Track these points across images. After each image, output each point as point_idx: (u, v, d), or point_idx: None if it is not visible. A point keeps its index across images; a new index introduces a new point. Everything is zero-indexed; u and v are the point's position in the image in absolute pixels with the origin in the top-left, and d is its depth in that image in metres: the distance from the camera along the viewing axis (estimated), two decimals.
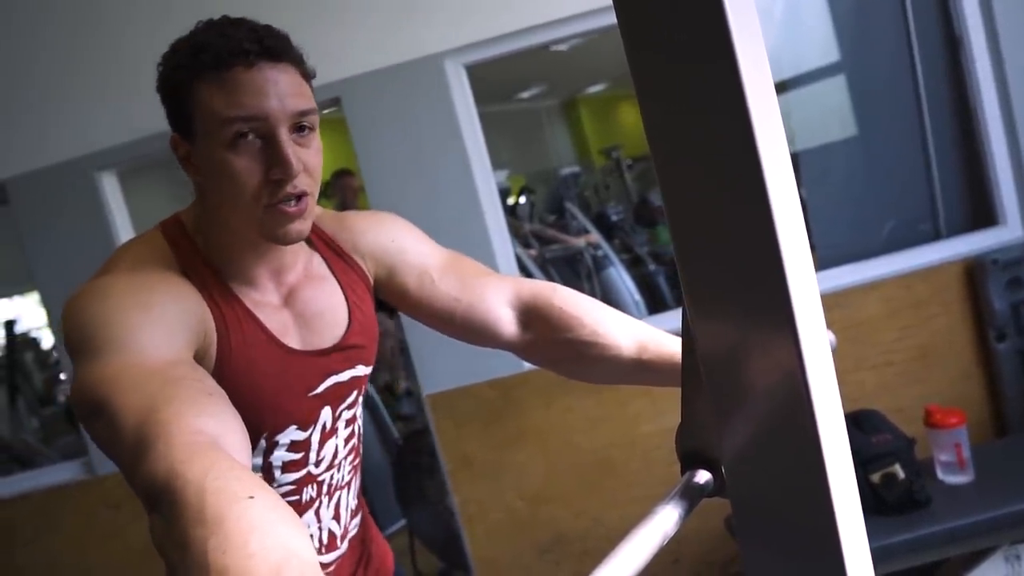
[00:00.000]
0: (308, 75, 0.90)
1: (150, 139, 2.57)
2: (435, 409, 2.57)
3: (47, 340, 6.58)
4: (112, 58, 2.57)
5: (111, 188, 2.66)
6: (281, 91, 0.85)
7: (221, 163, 0.85)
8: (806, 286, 0.43)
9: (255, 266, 0.93)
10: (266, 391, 0.91)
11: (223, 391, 0.72)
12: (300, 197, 0.87)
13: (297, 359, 0.95)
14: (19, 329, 5.37)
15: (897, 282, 2.50)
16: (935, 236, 2.67)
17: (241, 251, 0.92)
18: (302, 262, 0.99)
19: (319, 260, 1.02)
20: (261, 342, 0.92)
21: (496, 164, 2.59)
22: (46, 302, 2.75)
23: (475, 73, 2.54)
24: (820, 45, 2.91)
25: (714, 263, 0.48)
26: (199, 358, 0.84)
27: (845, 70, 2.88)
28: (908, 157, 2.72)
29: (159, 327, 0.78)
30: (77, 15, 2.58)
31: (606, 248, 4.48)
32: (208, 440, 0.61)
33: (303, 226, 0.89)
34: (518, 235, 4.25)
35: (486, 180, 2.52)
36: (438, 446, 2.59)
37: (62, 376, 5.92)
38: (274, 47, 0.85)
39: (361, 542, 1.13)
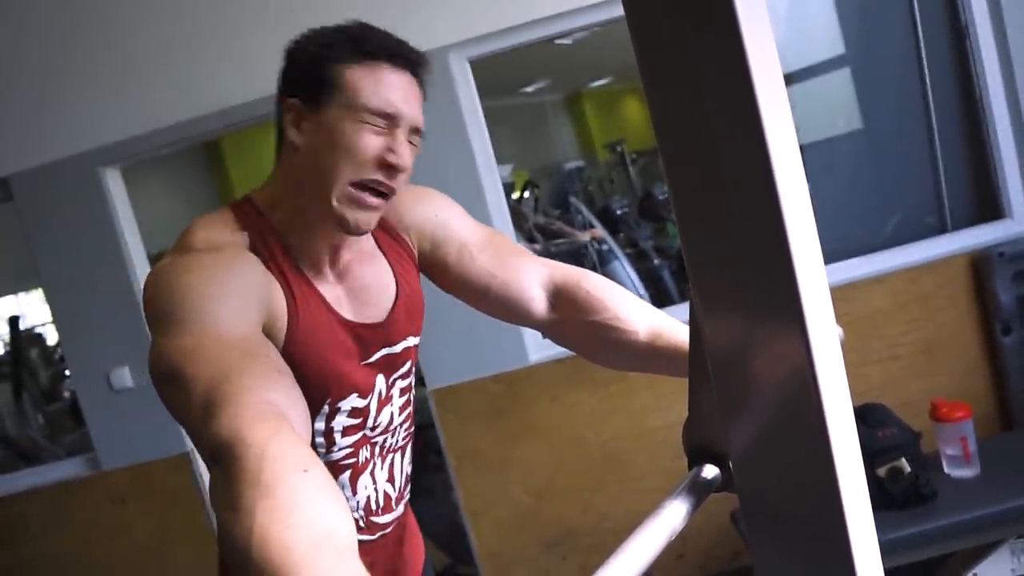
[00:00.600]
0: (424, 99, 0.99)
1: (153, 134, 2.58)
2: (440, 404, 2.57)
3: (52, 336, 6.61)
4: (115, 54, 2.57)
5: (115, 183, 2.66)
6: (413, 101, 0.95)
7: (351, 130, 0.91)
8: (815, 280, 0.43)
9: (320, 242, 0.98)
10: (330, 360, 0.97)
11: (290, 370, 0.77)
12: (385, 195, 0.94)
13: (352, 329, 1.00)
14: (24, 325, 5.37)
15: (903, 275, 2.49)
16: (941, 229, 2.66)
17: (310, 230, 0.97)
18: (357, 240, 1.04)
19: (368, 238, 1.06)
20: (323, 314, 0.97)
21: (500, 159, 2.59)
22: (50, 298, 2.75)
23: (479, 68, 2.54)
24: (825, 38, 2.89)
25: (722, 257, 0.47)
26: (268, 329, 0.89)
27: (850, 63, 2.87)
28: (914, 150, 2.71)
29: (236, 302, 0.83)
30: (81, 11, 2.57)
31: (610, 242, 4.47)
32: (274, 411, 0.64)
33: (372, 221, 0.95)
34: (522, 229, 4.25)
35: (490, 174, 2.51)
36: (443, 441, 2.59)
37: (67, 373, 5.94)
38: (418, 63, 0.96)
39: (401, 524, 1.17)
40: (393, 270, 1.07)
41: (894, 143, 2.81)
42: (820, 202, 2.70)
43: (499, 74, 6.25)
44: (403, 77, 0.94)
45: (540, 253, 4.12)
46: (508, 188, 4.88)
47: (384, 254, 1.07)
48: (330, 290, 1.00)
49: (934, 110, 2.65)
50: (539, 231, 4.59)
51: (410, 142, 0.96)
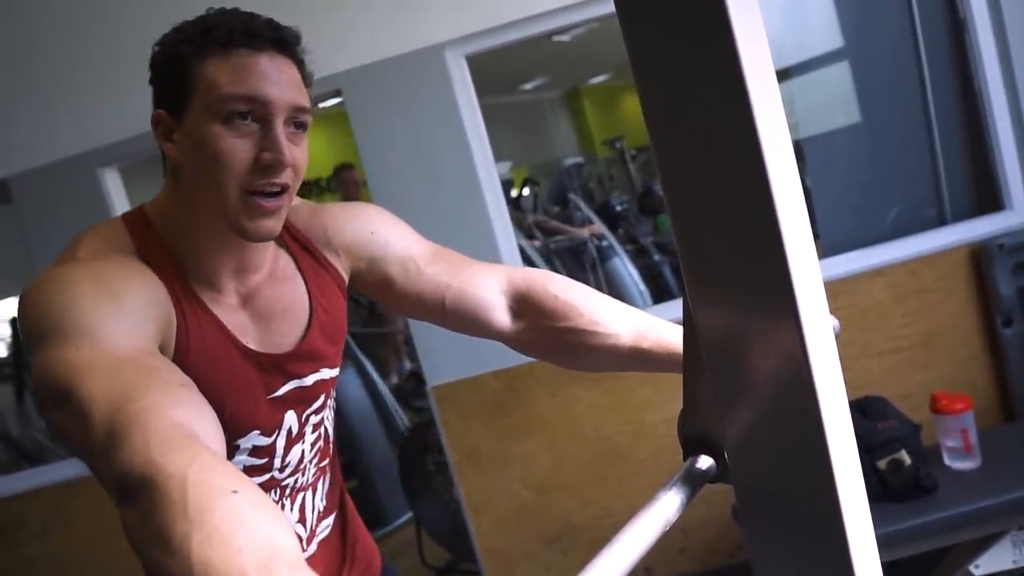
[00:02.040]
0: (308, 77, 0.90)
1: (151, 135, 2.57)
2: (440, 401, 2.57)
3: None
4: (113, 54, 2.57)
5: (113, 184, 2.66)
6: (284, 81, 0.85)
7: (213, 138, 0.82)
8: (808, 270, 0.43)
9: (219, 262, 0.90)
10: (225, 392, 0.88)
11: (192, 382, 0.70)
12: (279, 193, 0.85)
13: (255, 359, 0.92)
14: None
15: (902, 268, 2.49)
16: (940, 222, 2.65)
17: (207, 245, 0.89)
18: (268, 261, 0.95)
19: (287, 258, 0.98)
20: (220, 341, 0.89)
21: (499, 156, 2.58)
22: None
23: (477, 65, 2.53)
24: (823, 31, 2.89)
25: (715, 248, 0.47)
26: (160, 351, 0.81)
27: (849, 56, 2.86)
28: (913, 142, 2.71)
29: (128, 316, 0.75)
30: (77, 12, 2.57)
31: (610, 238, 4.47)
32: (186, 432, 0.59)
33: (274, 225, 0.87)
34: (522, 227, 4.25)
35: (488, 171, 2.51)
36: (444, 438, 2.59)
37: None
38: (284, 39, 0.86)
39: (340, 544, 1.10)
40: (310, 296, 0.97)
41: (893, 136, 2.80)
42: (819, 195, 2.72)
43: (498, 71, 6.26)
44: (267, 58, 0.84)
45: (540, 249, 4.12)
46: (507, 185, 4.89)
47: (303, 277, 0.98)
48: (230, 314, 0.91)
49: (933, 102, 2.65)
50: (539, 228, 4.59)
51: (297, 124, 0.87)
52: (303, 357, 0.96)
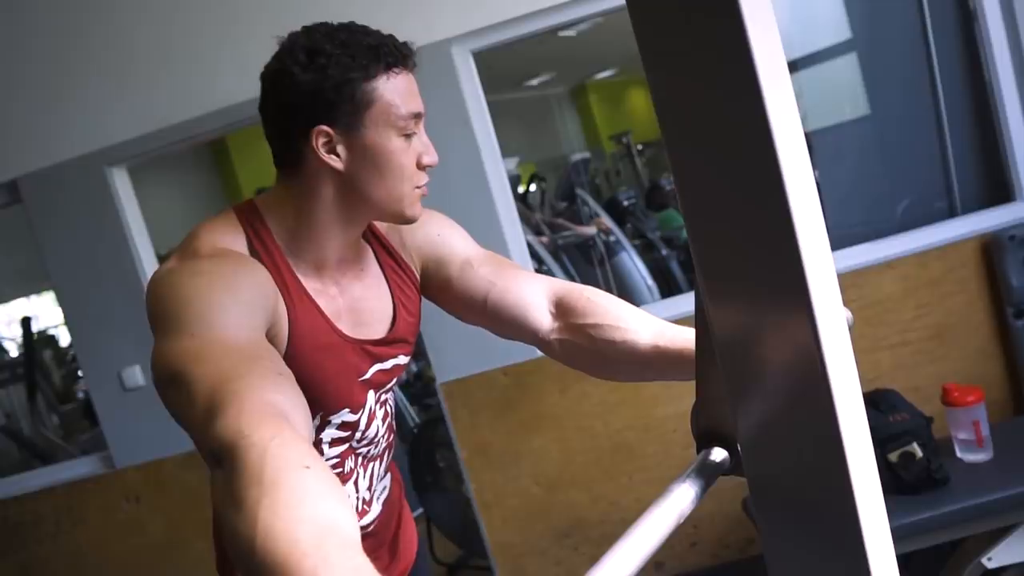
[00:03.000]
0: None
1: (159, 133, 2.59)
2: (450, 397, 2.57)
3: (64, 338, 6.65)
4: (120, 55, 2.58)
5: (122, 183, 2.67)
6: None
7: (394, 150, 0.96)
8: (821, 262, 0.43)
9: (325, 256, 1.01)
10: (328, 373, 0.98)
11: (292, 373, 0.77)
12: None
13: (349, 345, 1.01)
14: (37, 327, 5.42)
15: (913, 260, 2.48)
16: (950, 213, 2.64)
17: (319, 241, 0.99)
18: (360, 258, 1.06)
19: (371, 257, 1.08)
20: (323, 327, 0.98)
21: (506, 152, 2.58)
22: (61, 299, 2.77)
23: (484, 61, 2.53)
24: (831, 24, 2.87)
25: (728, 241, 0.47)
26: (270, 337, 0.90)
27: (857, 48, 2.85)
28: (922, 134, 2.69)
29: (241, 307, 0.83)
30: (85, 12, 2.58)
31: (618, 234, 4.47)
32: (276, 411, 0.65)
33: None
34: (529, 223, 4.24)
35: (496, 167, 2.51)
36: (453, 434, 2.60)
37: (79, 374, 5.99)
38: (413, 55, 0.99)
39: (391, 506, 1.19)
40: (392, 294, 1.08)
41: (902, 128, 2.79)
42: (828, 188, 2.71)
43: (503, 68, 6.25)
44: (413, 75, 0.99)
45: (548, 245, 4.12)
46: (515, 181, 4.89)
47: (386, 277, 1.09)
48: (330, 303, 1.01)
49: (942, 94, 2.63)
50: (546, 225, 4.59)
51: None
52: (386, 347, 1.07)
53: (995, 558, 1.87)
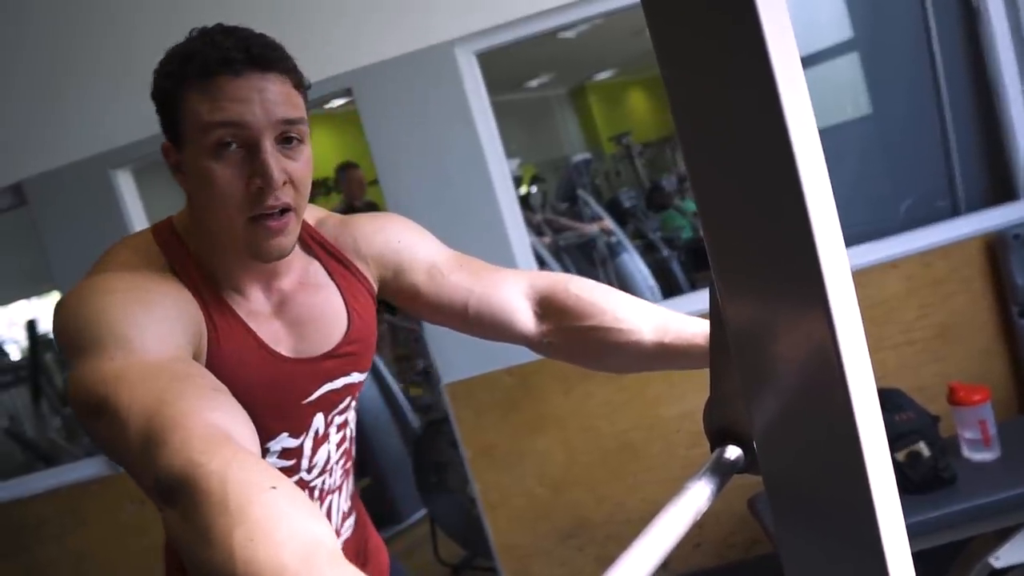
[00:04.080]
0: (301, 85, 0.89)
1: (163, 135, 2.59)
2: (454, 398, 2.57)
3: None
4: (125, 56, 2.58)
5: (126, 185, 2.67)
6: (267, 99, 0.83)
7: (205, 171, 0.83)
8: (837, 257, 0.43)
9: (244, 274, 0.92)
10: (257, 398, 0.89)
11: (225, 387, 0.71)
12: (284, 211, 0.86)
13: (289, 366, 0.93)
14: (39, 329, 5.42)
15: (916, 260, 2.47)
16: (954, 212, 2.64)
17: (230, 259, 0.91)
18: (296, 270, 0.97)
19: (317, 267, 1.00)
20: (252, 349, 0.90)
21: (507, 153, 2.58)
22: None
23: (483, 62, 2.53)
24: (833, 23, 2.87)
25: (743, 237, 0.47)
26: (193, 356, 0.83)
27: (858, 48, 2.84)
28: (925, 133, 2.69)
29: (161, 325, 0.77)
30: (89, 14, 2.58)
31: (619, 234, 4.47)
32: (223, 433, 0.60)
33: (286, 241, 0.87)
34: (530, 224, 4.24)
35: (500, 168, 2.51)
36: (458, 435, 2.60)
37: None
38: (262, 56, 0.84)
39: (356, 543, 1.12)
40: (346, 302, 1.00)
41: (904, 127, 2.79)
42: (831, 188, 2.69)
43: (503, 69, 6.26)
44: (244, 81, 0.83)
45: (549, 246, 4.12)
46: (515, 183, 4.88)
47: (338, 286, 1.00)
48: (263, 323, 0.93)
49: (946, 92, 2.63)
50: (547, 225, 4.59)
51: (288, 137, 0.86)
52: (337, 361, 0.98)
53: (1002, 557, 1.87)
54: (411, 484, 3.18)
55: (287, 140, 0.86)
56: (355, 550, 1.11)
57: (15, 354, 6.68)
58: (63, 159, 2.62)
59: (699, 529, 2.57)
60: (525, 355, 2.49)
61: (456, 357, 2.55)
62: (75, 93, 2.60)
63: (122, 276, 0.83)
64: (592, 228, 4.40)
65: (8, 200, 2.72)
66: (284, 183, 0.85)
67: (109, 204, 2.63)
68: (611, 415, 2.56)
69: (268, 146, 0.83)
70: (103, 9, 2.58)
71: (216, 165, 0.83)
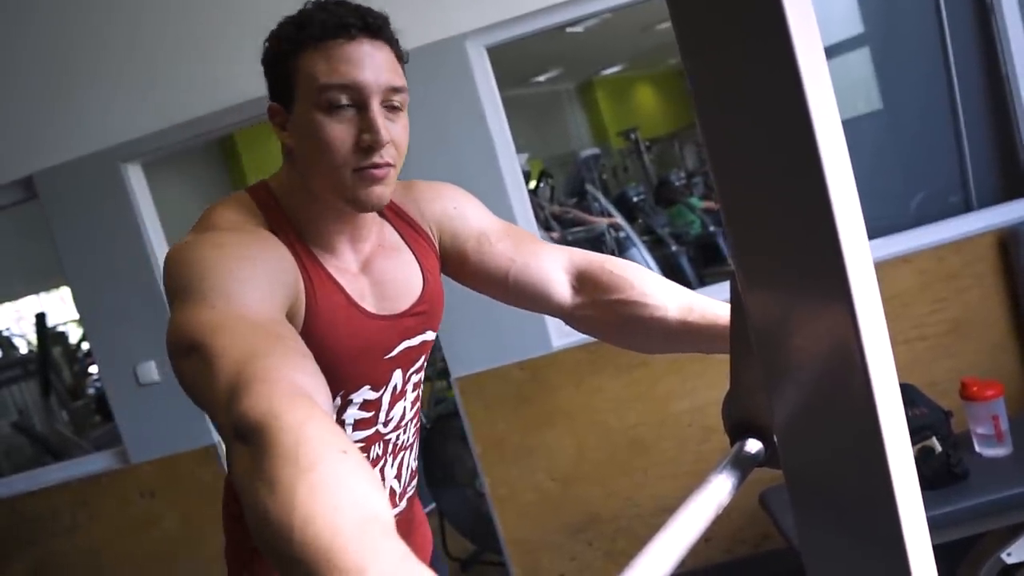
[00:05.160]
0: (402, 57, 0.96)
1: (173, 129, 2.59)
2: (464, 392, 2.57)
3: (74, 335, 6.68)
4: (135, 50, 2.58)
5: (136, 179, 2.68)
6: (377, 65, 0.90)
7: (317, 126, 0.90)
8: (859, 251, 0.42)
9: (336, 233, 0.98)
10: (346, 351, 0.95)
11: (311, 355, 0.74)
12: (384, 165, 0.92)
13: (374, 323, 0.99)
14: (48, 324, 5.45)
15: (929, 255, 2.46)
16: (966, 207, 2.62)
17: (324, 218, 0.96)
18: (375, 232, 1.03)
19: (391, 230, 1.05)
20: (342, 305, 0.96)
21: (515, 148, 2.58)
22: (76, 294, 2.78)
23: (492, 57, 2.53)
24: (843, 18, 2.86)
25: (765, 229, 0.47)
26: (289, 316, 0.87)
27: (869, 42, 2.83)
28: (937, 128, 2.67)
29: (262, 283, 0.81)
30: (99, 9, 2.59)
31: (627, 229, 4.47)
32: (305, 393, 0.62)
33: (385, 190, 0.93)
34: (538, 218, 4.24)
35: (510, 162, 2.51)
36: (468, 428, 2.60)
37: (91, 370, 6.02)
38: (373, 24, 0.91)
39: (409, 510, 1.17)
40: (420, 264, 1.06)
41: (916, 122, 2.77)
42: None
43: (511, 64, 6.24)
44: (357, 45, 0.90)
45: (558, 241, 4.12)
46: (524, 178, 4.88)
47: (410, 248, 1.06)
48: (352, 282, 0.98)
49: (958, 87, 2.61)
50: (556, 219, 4.59)
51: (392, 106, 0.92)
52: (415, 319, 1.04)
53: (1014, 553, 1.86)
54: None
55: (391, 107, 0.92)
56: (407, 516, 1.16)
57: (24, 348, 6.72)
58: (73, 153, 2.62)
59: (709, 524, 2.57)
60: (535, 349, 2.52)
61: (466, 351, 2.55)
62: (84, 87, 2.60)
63: (230, 233, 0.88)
64: (601, 222, 4.39)
65: (18, 194, 2.73)
66: (388, 142, 0.91)
67: (119, 198, 2.63)
68: (621, 410, 2.56)
69: (376, 107, 0.90)
70: (114, 5, 2.58)
71: (329, 120, 0.89)
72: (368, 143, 0.90)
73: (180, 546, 2.77)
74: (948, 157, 2.66)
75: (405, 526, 1.14)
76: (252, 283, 0.79)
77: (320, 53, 0.89)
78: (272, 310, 0.79)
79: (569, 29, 5.50)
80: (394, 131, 0.92)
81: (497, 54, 2.54)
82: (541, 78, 8.19)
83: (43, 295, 7.62)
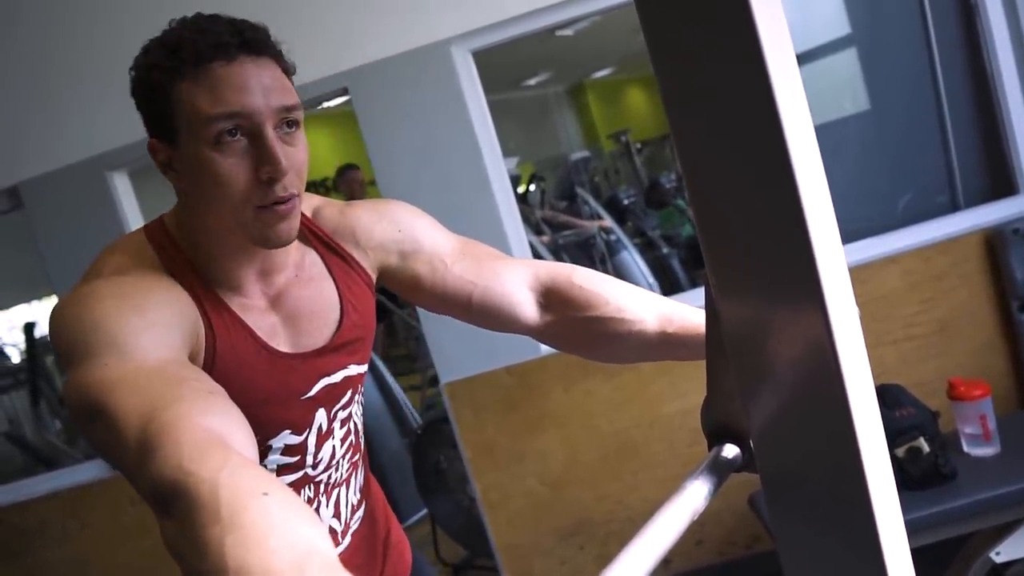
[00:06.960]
0: (289, 70, 0.87)
1: None
2: (453, 397, 2.57)
3: None
4: (120, 57, 2.56)
5: (123, 187, 2.67)
6: (265, 86, 0.82)
7: (207, 164, 0.81)
8: (833, 255, 0.42)
9: (241, 269, 0.90)
10: (256, 396, 0.89)
11: (222, 389, 0.70)
12: (289, 199, 0.84)
13: (286, 362, 0.92)
14: (38, 333, 5.42)
15: (916, 255, 2.47)
16: (953, 207, 2.63)
17: (226, 255, 0.89)
18: (293, 262, 0.96)
19: (314, 258, 0.98)
20: (249, 347, 0.89)
21: (505, 152, 2.58)
22: None
23: (481, 61, 2.53)
24: (830, 19, 2.87)
25: (737, 235, 0.47)
26: (191, 358, 0.82)
27: (856, 43, 2.84)
28: (923, 128, 2.69)
29: (155, 329, 0.76)
30: (83, 15, 2.58)
31: (618, 232, 4.47)
32: (216, 438, 0.59)
33: (292, 224, 0.86)
34: (529, 222, 4.24)
35: (497, 167, 2.51)
36: (458, 434, 2.59)
37: None
38: (254, 40, 0.82)
39: (372, 534, 1.11)
40: (340, 293, 0.98)
41: (903, 122, 2.78)
42: (829, 184, 2.67)
43: (501, 68, 6.26)
44: (239, 66, 0.81)
45: (548, 245, 4.12)
46: (514, 181, 4.88)
47: (332, 275, 0.98)
48: (259, 318, 0.91)
49: (944, 87, 2.62)
50: (546, 223, 4.58)
51: (288, 123, 0.84)
52: (333, 354, 0.97)
53: (1003, 552, 1.87)
54: (411, 484, 3.18)
55: (287, 125, 0.84)
56: (373, 542, 1.11)
57: (15, 357, 6.68)
58: (59, 162, 2.61)
59: (700, 526, 2.57)
60: (525, 354, 2.51)
61: (455, 356, 2.55)
62: (70, 95, 2.59)
63: (116, 281, 0.82)
64: (592, 226, 4.39)
65: (4, 203, 2.72)
66: (289, 170, 0.84)
67: (105, 206, 2.62)
68: (611, 413, 2.56)
69: (271, 134, 0.82)
70: (99, 11, 2.57)
71: (219, 156, 0.81)
72: (268, 175, 0.81)
73: (171, 557, 2.76)
74: (935, 157, 2.68)
75: (371, 547, 1.09)
76: (143, 329, 0.75)
77: (199, 81, 0.80)
78: (170, 351, 0.75)
79: (559, 32, 5.51)
80: (293, 156, 0.84)
81: (487, 58, 2.54)
82: (532, 81, 8.21)
83: (34, 303, 7.58)
